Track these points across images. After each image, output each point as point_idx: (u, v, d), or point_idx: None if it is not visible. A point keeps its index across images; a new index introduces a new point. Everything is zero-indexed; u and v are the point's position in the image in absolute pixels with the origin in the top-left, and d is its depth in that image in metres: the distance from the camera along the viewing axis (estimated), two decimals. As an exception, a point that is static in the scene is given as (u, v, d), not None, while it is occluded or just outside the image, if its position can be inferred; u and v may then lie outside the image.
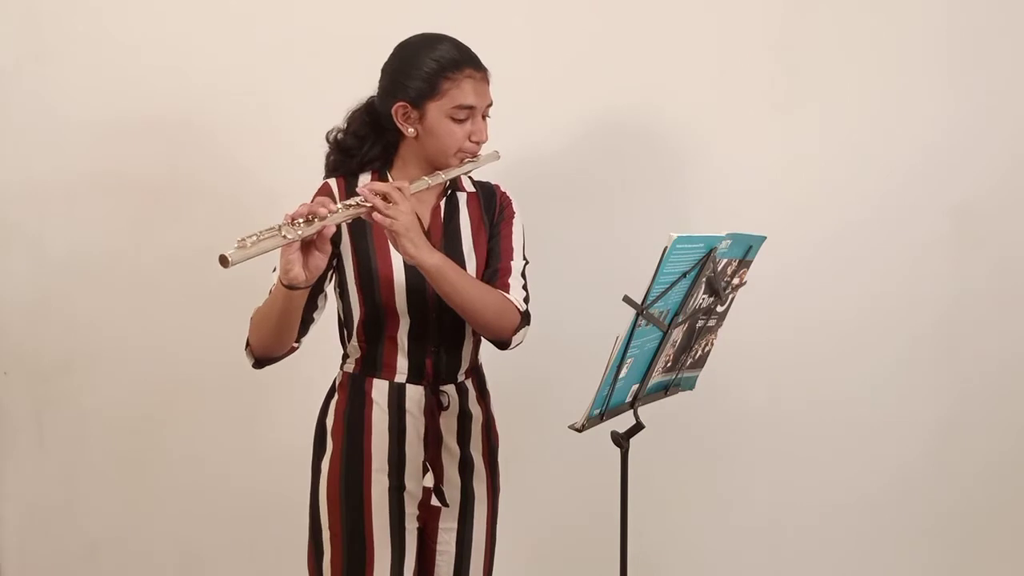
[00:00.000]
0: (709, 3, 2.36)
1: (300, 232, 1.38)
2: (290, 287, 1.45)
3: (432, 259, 1.52)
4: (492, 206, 1.75)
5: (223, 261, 1.30)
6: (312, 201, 1.45)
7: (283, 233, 1.36)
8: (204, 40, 2.32)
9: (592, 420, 1.50)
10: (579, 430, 1.49)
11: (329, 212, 1.42)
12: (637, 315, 1.44)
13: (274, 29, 2.32)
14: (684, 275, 1.47)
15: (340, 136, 1.71)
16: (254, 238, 1.33)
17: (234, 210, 2.32)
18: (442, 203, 1.72)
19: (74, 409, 2.39)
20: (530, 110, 2.27)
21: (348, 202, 1.47)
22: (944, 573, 2.47)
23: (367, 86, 1.72)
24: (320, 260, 1.45)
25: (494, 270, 1.70)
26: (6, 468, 2.41)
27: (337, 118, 1.74)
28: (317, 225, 1.40)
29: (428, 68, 1.61)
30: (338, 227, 1.50)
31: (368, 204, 1.47)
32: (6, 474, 2.41)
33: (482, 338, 1.74)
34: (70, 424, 2.40)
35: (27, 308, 2.37)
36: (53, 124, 2.33)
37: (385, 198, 1.49)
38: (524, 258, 1.75)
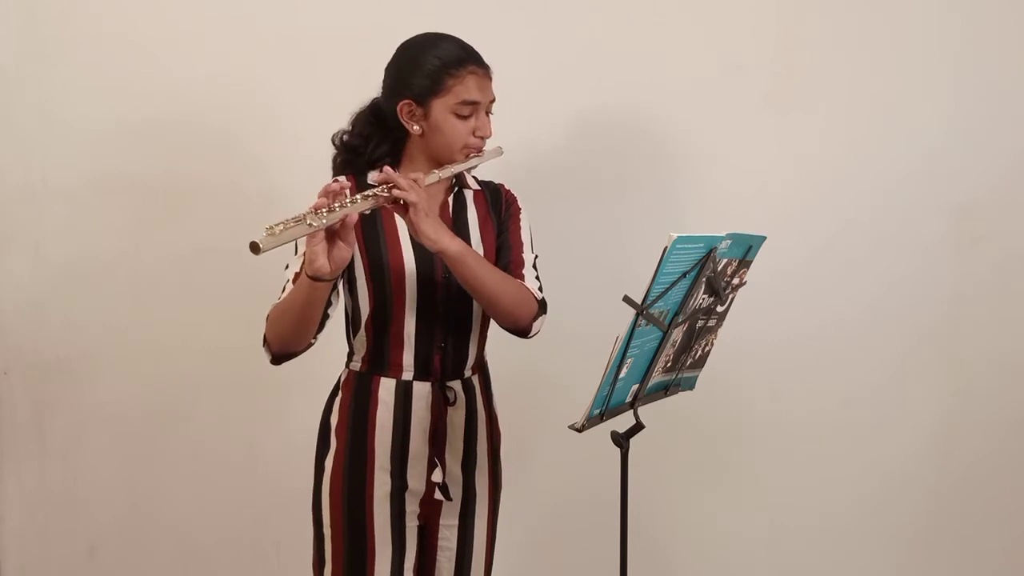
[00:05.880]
0: (711, 2, 2.36)
1: (324, 220, 1.38)
2: (315, 278, 1.45)
3: (454, 245, 1.53)
4: (498, 203, 1.78)
5: (254, 248, 1.30)
6: (329, 188, 1.44)
7: (308, 221, 1.36)
8: (203, 41, 2.31)
9: (592, 420, 1.50)
10: (579, 430, 1.49)
11: (350, 201, 1.42)
12: (637, 315, 1.44)
13: (273, 29, 2.32)
14: (684, 275, 1.47)
15: (346, 137, 1.72)
16: (281, 226, 1.34)
17: (234, 210, 2.32)
18: (450, 199, 1.73)
19: (74, 408, 2.39)
20: (531, 108, 2.26)
21: (367, 193, 1.48)
22: (943, 573, 2.47)
23: (367, 85, 1.72)
24: (344, 251, 1.44)
25: (506, 263, 1.72)
26: (6, 468, 2.41)
27: (337, 117, 1.74)
28: (339, 213, 1.40)
29: (432, 66, 1.62)
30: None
31: (386, 192, 1.48)
32: (6, 474, 2.41)
33: (487, 334, 1.76)
34: (70, 424, 2.40)
35: (27, 308, 2.37)
36: (53, 124, 2.33)
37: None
38: (533, 251, 1.77)
